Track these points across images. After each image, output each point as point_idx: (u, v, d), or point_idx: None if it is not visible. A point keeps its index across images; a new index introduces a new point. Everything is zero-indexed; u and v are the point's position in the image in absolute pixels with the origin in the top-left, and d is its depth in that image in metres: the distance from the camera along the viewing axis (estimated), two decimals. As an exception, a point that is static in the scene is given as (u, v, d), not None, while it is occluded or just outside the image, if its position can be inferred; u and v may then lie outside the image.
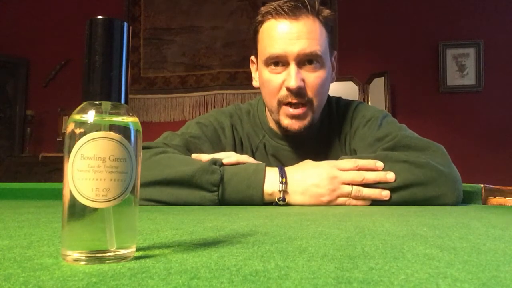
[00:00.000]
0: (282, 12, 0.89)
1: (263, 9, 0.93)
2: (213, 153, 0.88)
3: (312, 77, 0.90)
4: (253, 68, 1.04)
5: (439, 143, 0.86)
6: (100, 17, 0.28)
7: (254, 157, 0.99)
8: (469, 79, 3.08)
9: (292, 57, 0.88)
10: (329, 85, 0.97)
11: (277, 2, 0.91)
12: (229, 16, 3.43)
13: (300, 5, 0.89)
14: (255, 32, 0.97)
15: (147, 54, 3.52)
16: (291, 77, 0.88)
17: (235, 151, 0.97)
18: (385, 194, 0.77)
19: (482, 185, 0.96)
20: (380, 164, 0.78)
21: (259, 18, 0.94)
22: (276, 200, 0.77)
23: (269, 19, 0.92)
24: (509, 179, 2.79)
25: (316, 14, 0.91)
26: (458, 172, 0.82)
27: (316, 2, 0.91)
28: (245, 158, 0.83)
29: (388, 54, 3.18)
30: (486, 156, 2.98)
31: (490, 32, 3.07)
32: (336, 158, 0.84)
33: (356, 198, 0.77)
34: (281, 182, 0.77)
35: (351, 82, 3.07)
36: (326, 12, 0.93)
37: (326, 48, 0.92)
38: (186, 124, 1.04)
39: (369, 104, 2.98)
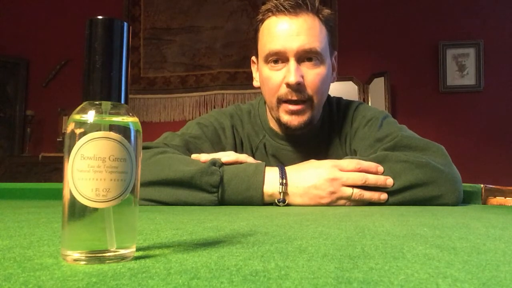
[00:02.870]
0: (282, 9, 0.90)
1: (263, 7, 0.94)
2: (213, 153, 0.88)
3: (312, 74, 0.91)
4: (254, 68, 1.04)
5: (439, 143, 0.86)
6: (100, 17, 0.28)
7: (254, 157, 0.98)
8: (469, 79, 3.07)
9: (292, 53, 0.89)
10: (329, 85, 0.97)
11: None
12: (229, 16, 3.43)
13: (300, 2, 0.90)
14: (256, 31, 0.97)
15: (147, 54, 3.51)
16: (290, 72, 0.88)
17: (236, 151, 0.97)
18: (383, 197, 0.77)
19: (482, 185, 0.96)
20: (381, 168, 0.78)
21: (260, 16, 0.95)
22: (276, 201, 0.77)
23: (269, 16, 0.93)
24: (509, 179, 2.79)
25: (316, 12, 0.92)
26: (458, 172, 0.82)
27: (316, 1, 0.93)
28: (244, 157, 0.83)
29: (388, 54, 3.18)
30: (486, 156, 2.98)
31: (490, 32, 3.07)
32: (336, 158, 0.84)
33: (357, 201, 0.77)
34: (281, 184, 0.76)
35: (351, 82, 3.07)
36: (326, 11, 0.94)
37: (326, 46, 0.93)
38: (187, 124, 1.04)
39: (369, 104, 2.98)
